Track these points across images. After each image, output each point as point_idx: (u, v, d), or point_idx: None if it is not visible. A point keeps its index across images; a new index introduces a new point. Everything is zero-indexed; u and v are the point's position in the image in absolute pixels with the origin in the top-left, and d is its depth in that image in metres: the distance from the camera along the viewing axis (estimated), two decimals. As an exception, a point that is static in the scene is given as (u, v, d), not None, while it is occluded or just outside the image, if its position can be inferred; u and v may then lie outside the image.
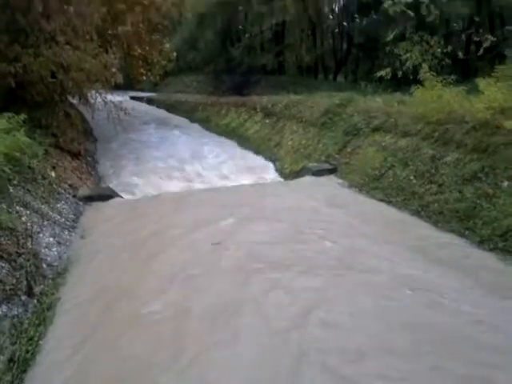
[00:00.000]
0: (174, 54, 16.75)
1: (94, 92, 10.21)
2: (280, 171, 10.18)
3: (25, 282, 3.92)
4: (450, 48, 11.91)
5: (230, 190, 7.92)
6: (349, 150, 9.04)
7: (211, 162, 11.21)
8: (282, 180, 9.61)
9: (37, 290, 4.01)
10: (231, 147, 13.35)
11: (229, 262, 4.54)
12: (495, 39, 12.25)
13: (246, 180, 9.43)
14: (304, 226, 5.60)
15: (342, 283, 4.17)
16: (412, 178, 6.85)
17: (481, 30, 15.23)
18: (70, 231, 5.60)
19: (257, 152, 12.24)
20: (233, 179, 9.54)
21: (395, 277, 4.29)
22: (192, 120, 19.67)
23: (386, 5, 12.30)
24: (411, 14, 13.40)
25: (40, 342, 3.44)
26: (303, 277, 4.24)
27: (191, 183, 9.20)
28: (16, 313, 3.62)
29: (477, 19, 15.54)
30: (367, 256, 4.77)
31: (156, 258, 4.72)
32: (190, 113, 20.78)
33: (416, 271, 4.43)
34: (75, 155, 9.14)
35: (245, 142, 13.63)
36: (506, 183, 5.46)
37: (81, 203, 6.82)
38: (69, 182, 7.23)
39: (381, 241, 5.21)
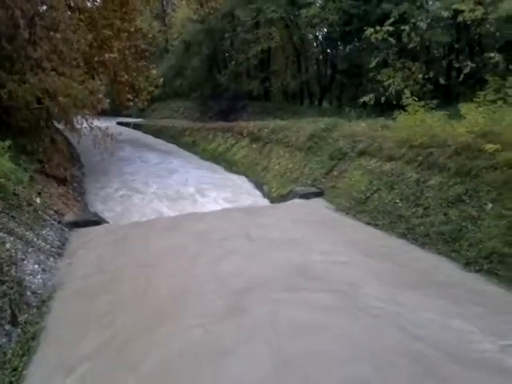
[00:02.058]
0: (161, 80, 17.05)
1: (80, 118, 10.23)
2: (267, 195, 10.24)
3: (9, 311, 3.83)
4: (431, 74, 12.26)
5: (216, 215, 7.87)
6: (335, 173, 9.16)
7: (196, 184, 11.35)
8: (269, 203, 9.65)
9: (21, 318, 3.92)
10: (218, 172, 13.52)
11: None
12: (475, 65, 12.69)
13: (233, 203, 9.47)
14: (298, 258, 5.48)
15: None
16: (398, 201, 6.92)
17: (461, 57, 15.78)
18: (55, 258, 5.52)
19: (245, 176, 12.38)
20: (219, 203, 9.65)
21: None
22: (179, 145, 19.82)
23: (368, 32, 12.73)
24: (393, 41, 13.87)
25: (24, 373, 3.36)
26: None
27: (177, 205, 9.24)
28: (-1, 343, 3.55)
29: (456, 46, 16.08)
30: (356, 279, 4.77)
31: (143, 289, 4.65)
32: (176, 138, 20.99)
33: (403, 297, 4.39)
34: (61, 181, 9.09)
35: (232, 166, 13.75)
36: (489, 205, 5.56)
37: (66, 229, 6.75)
38: (54, 208, 7.16)
39: (367, 267, 5.22)
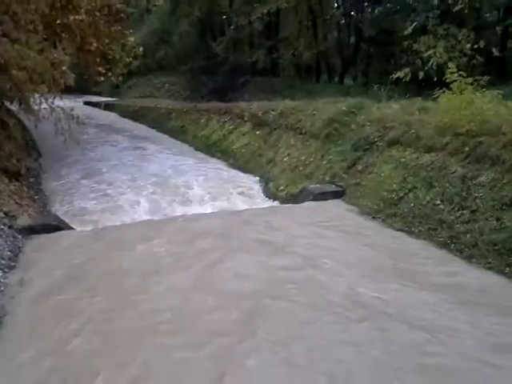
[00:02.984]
0: (141, 49, 17.03)
1: (38, 96, 10.22)
2: (274, 194, 10.32)
3: None
4: (482, 43, 12.18)
5: (208, 220, 7.85)
6: (359, 167, 9.20)
7: (185, 181, 11.43)
8: (275, 204, 9.73)
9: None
10: (213, 164, 13.65)
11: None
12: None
13: (231, 205, 9.60)
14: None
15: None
16: (438, 202, 6.93)
17: (520, 22, 15.68)
18: (5, 272, 5.50)
19: (245, 170, 12.47)
20: (214, 204, 9.72)
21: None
22: (163, 131, 19.95)
23: (403, -10, 12.71)
24: (434, 1, 13.80)
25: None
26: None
27: (156, 209, 9.37)
28: None
29: (515, 8, 15.98)
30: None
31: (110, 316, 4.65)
32: (160, 122, 21.08)
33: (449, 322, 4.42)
34: (14, 175, 9.08)
35: (229, 158, 13.87)
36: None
37: (20, 236, 6.71)
38: (4, 210, 7.13)
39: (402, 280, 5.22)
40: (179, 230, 7.23)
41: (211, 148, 15.48)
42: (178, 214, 8.70)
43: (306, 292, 5.05)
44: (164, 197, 10.19)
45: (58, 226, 7.40)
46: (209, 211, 9.05)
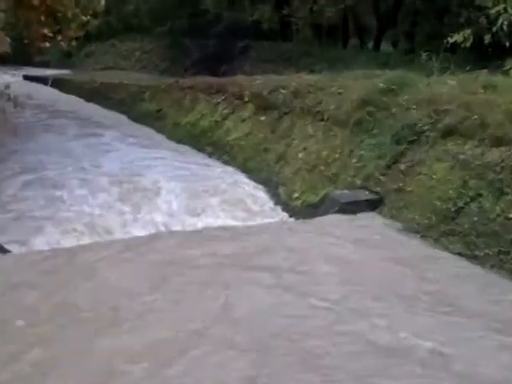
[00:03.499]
0: (102, 2, 16.82)
1: None
2: (285, 204, 10.37)
3: None
4: None
5: (186, 241, 7.81)
6: (402, 167, 9.17)
7: (156, 185, 11.55)
8: (287, 218, 9.83)
9: None
10: (200, 162, 13.80)
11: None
12: None
13: (225, 220, 9.59)
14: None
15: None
16: (512, 215, 6.88)
17: None
18: None
19: (245, 170, 12.65)
20: (204, 220, 9.74)
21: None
22: (132, 116, 20.04)
23: None
24: None
25: None
26: None
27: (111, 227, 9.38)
28: None
29: None
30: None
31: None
32: (128, 104, 21.09)
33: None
34: None
35: (224, 153, 13.93)
36: None
37: None
38: None
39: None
40: (138, 255, 7.16)
41: (199, 140, 15.48)
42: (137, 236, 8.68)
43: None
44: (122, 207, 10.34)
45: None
46: (188, 229, 9.08)
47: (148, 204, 10.55)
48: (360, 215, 8.70)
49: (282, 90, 13.43)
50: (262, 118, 13.67)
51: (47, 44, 14.99)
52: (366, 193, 9.19)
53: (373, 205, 8.92)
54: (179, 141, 16.24)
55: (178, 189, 11.36)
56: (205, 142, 15.20)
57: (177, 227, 9.40)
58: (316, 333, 5.08)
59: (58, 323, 5.32)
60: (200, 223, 9.60)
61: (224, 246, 7.51)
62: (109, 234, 9.04)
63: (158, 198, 10.88)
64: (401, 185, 8.86)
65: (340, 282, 6.30)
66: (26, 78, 30.88)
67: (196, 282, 6.23)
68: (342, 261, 6.92)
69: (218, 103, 16.04)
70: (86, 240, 8.56)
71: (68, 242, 8.35)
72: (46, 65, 33.52)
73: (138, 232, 9.00)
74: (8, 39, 10.18)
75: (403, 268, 6.73)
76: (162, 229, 9.39)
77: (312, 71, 14.82)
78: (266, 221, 9.75)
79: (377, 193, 9.09)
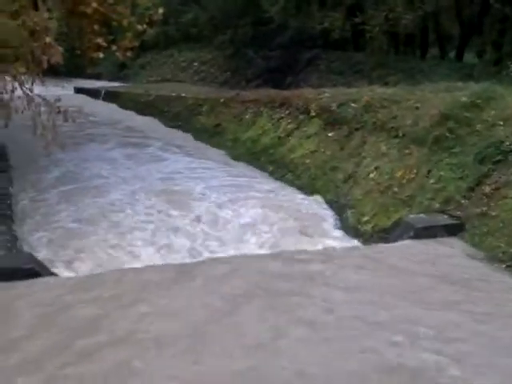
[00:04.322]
0: (160, 11, 16.96)
1: (9, 80, 10.61)
2: (354, 228, 10.46)
3: None
4: None
5: (251, 268, 7.91)
6: (487, 189, 9.18)
7: (214, 209, 11.75)
8: (356, 243, 9.86)
9: None
10: (261, 182, 13.89)
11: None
12: None
13: (287, 246, 9.67)
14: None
15: None
16: None
17: None
18: None
19: (310, 191, 12.72)
20: (264, 245, 9.92)
21: None
22: (188, 131, 20.44)
23: None
24: None
25: None
26: None
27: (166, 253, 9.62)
28: None
29: None
30: None
31: None
32: (185, 118, 21.46)
33: None
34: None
35: (287, 172, 14.05)
36: None
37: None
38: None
39: None
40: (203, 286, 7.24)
41: (260, 157, 15.68)
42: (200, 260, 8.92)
43: None
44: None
45: (33, 269, 7.55)
46: (253, 252, 9.35)
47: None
48: (438, 242, 8.69)
49: (353, 104, 13.59)
50: (330, 134, 13.79)
51: (100, 54, 14.78)
52: (445, 217, 9.17)
53: (452, 230, 8.90)
54: (237, 157, 16.46)
55: (239, 207, 11.82)
56: (266, 159, 15.36)
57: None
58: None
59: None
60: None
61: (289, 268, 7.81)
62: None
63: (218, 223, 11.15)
64: (484, 209, 8.82)
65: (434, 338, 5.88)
66: (78, 90, 31.56)
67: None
68: (423, 303, 6.70)
69: (282, 118, 16.22)
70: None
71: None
72: (97, 77, 33.95)
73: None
74: (60, 49, 10.39)
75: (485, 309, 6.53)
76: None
77: (386, 83, 14.81)
78: (333, 244, 9.76)
79: (457, 217, 9.07)
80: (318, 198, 12.36)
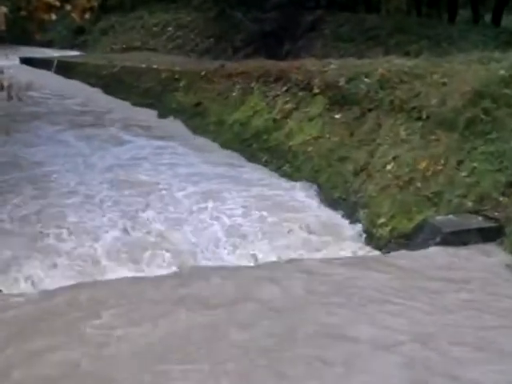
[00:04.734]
0: None
1: None
2: (368, 232, 10.13)
3: None
4: None
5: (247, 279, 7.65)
6: None
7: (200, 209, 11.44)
8: (370, 250, 9.68)
9: None
10: (252, 174, 13.82)
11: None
12: None
13: (287, 254, 9.38)
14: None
15: None
16: None
17: None
18: None
19: (312, 185, 12.40)
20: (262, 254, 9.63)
21: None
22: (163, 112, 20.19)
23: None
24: None
25: None
26: None
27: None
28: None
29: None
30: None
31: None
32: (158, 96, 21.28)
33: None
34: None
35: (284, 163, 13.77)
36: None
37: None
38: None
39: None
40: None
41: (250, 144, 15.29)
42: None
43: None
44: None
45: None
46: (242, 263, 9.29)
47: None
48: (471, 249, 8.36)
49: (365, 79, 13.24)
50: (337, 116, 13.37)
51: (52, 16, 14.41)
52: (480, 219, 8.82)
53: (489, 235, 8.56)
54: (224, 144, 16.09)
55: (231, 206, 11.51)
56: (258, 146, 14.95)
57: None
58: None
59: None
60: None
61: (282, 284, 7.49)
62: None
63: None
64: None
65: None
66: (24, 61, 31.53)
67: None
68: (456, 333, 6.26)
69: (278, 96, 15.76)
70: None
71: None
72: (49, 44, 33.78)
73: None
74: (4, 10, 10.26)
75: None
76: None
77: (407, 53, 14.53)
78: (341, 252, 9.64)
79: (495, 219, 8.72)
80: (323, 195, 12.03)
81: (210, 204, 11.71)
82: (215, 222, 11.01)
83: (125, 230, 10.95)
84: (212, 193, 12.35)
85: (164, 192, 12.94)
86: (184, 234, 10.77)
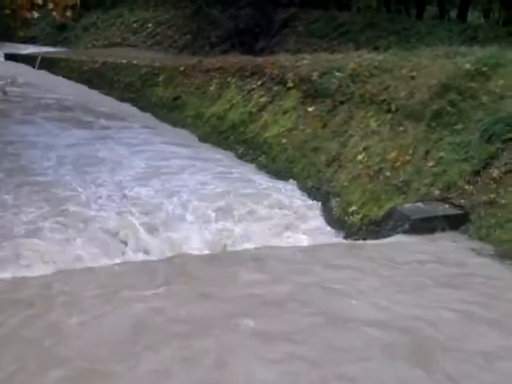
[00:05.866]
0: None
1: None
2: (340, 220, 10.37)
3: None
4: None
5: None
6: (495, 173, 9.14)
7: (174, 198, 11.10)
8: (340, 240, 9.78)
9: None
10: (229, 166, 13.67)
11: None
12: None
13: (262, 242, 9.47)
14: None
15: None
16: None
17: None
18: None
19: (287, 177, 12.54)
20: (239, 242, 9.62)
21: None
22: (143, 106, 20.38)
23: None
24: None
25: None
26: None
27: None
28: None
29: None
30: None
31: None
32: (138, 90, 21.45)
33: None
34: None
35: (260, 154, 14.01)
36: None
37: None
38: None
39: None
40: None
41: (228, 136, 15.49)
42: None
43: None
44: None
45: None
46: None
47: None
48: (437, 235, 8.64)
49: (337, 73, 13.43)
50: (311, 109, 13.58)
51: (35, 14, 14.68)
52: (446, 206, 9.09)
53: (455, 222, 8.82)
54: (202, 137, 16.22)
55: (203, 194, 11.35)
56: (235, 139, 15.11)
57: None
58: None
59: None
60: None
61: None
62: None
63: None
64: (493, 196, 8.82)
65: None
66: (9, 57, 31.52)
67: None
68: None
69: (253, 90, 16.02)
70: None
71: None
72: (32, 41, 33.82)
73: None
74: None
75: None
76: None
77: (376, 48, 14.66)
78: (315, 241, 9.69)
79: (460, 206, 8.99)
80: (296, 185, 12.18)
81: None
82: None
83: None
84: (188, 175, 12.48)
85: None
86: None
